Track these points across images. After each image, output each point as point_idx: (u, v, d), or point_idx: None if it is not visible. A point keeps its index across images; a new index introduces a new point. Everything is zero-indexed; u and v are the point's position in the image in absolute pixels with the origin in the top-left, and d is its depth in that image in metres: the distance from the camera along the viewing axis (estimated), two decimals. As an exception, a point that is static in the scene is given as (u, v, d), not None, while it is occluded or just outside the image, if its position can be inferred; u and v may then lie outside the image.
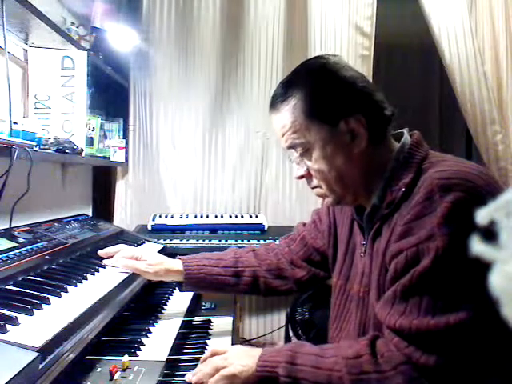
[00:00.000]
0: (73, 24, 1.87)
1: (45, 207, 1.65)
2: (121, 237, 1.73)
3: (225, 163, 2.41)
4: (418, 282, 0.77)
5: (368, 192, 0.93)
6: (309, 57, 1.12)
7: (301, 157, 0.92)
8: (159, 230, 2.11)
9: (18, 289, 0.93)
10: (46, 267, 1.12)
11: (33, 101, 1.71)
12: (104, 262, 1.25)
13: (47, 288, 0.95)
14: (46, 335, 0.73)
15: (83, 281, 1.07)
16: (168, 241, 2.02)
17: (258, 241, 2.04)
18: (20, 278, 1.00)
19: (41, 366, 0.67)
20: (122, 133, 2.32)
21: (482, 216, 0.28)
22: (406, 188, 0.85)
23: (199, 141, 2.39)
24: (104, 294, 1.01)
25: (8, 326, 0.73)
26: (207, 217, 2.27)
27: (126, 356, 0.92)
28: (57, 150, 1.51)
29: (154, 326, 1.16)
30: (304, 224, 1.26)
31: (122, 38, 2.09)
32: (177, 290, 1.41)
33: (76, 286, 1.03)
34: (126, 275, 1.18)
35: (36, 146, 1.32)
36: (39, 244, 1.21)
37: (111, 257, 1.26)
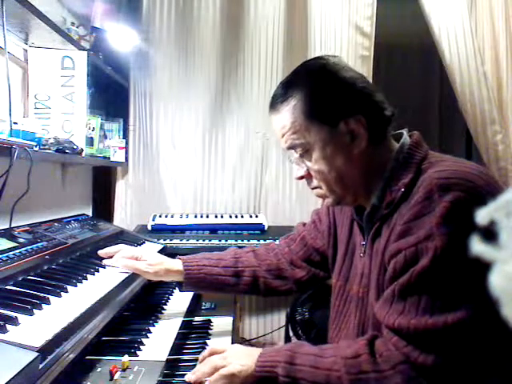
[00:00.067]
0: (73, 24, 1.87)
1: (45, 207, 1.65)
2: (121, 237, 1.73)
3: (225, 163, 2.41)
4: (417, 282, 0.77)
5: (368, 192, 0.93)
6: (309, 57, 1.13)
7: (301, 157, 0.92)
8: (159, 230, 2.11)
9: (17, 289, 0.93)
10: (46, 267, 1.12)
11: (33, 101, 1.71)
12: (104, 261, 1.25)
13: (47, 288, 0.95)
14: (46, 335, 0.73)
15: (83, 281, 1.07)
16: (168, 241, 2.02)
17: (258, 241, 2.04)
18: (20, 278, 1.00)
19: (41, 366, 0.67)
20: (122, 133, 2.32)
21: (482, 216, 0.28)
22: (405, 188, 0.86)
23: (199, 141, 2.39)
24: (104, 294, 1.01)
25: (8, 326, 0.73)
26: (207, 217, 2.27)
27: (126, 356, 0.92)
28: (57, 150, 1.51)
29: (154, 326, 1.16)
30: (304, 224, 1.26)
31: (121, 38, 2.09)
32: (177, 290, 1.41)
33: (76, 286, 1.03)
34: (126, 275, 1.18)
35: (36, 146, 1.32)
36: (39, 244, 1.21)
37: (111, 257, 1.26)
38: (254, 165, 2.41)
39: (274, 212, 2.41)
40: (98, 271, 1.18)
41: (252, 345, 2.12)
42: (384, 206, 0.89)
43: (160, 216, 2.20)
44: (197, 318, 1.31)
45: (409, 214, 0.80)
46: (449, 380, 0.76)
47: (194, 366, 0.94)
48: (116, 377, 0.86)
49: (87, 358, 0.92)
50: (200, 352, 1.05)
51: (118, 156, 2.18)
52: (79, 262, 1.25)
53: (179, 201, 2.40)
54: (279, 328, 2.38)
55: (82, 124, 1.77)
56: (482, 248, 0.27)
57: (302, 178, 0.96)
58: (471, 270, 0.67)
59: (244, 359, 0.88)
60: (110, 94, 2.28)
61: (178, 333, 1.13)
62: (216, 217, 2.27)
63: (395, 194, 0.87)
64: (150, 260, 1.19)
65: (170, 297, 1.42)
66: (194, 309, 1.38)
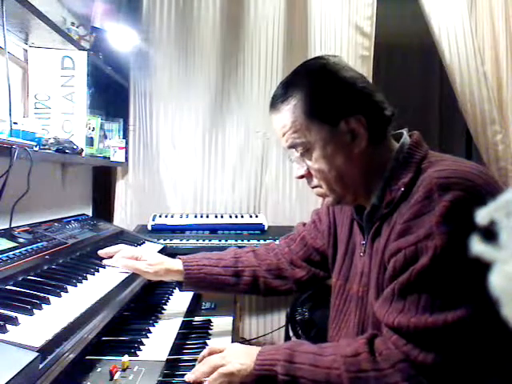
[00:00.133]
0: (73, 24, 1.87)
1: (45, 207, 1.65)
2: (121, 237, 1.73)
3: (225, 163, 2.41)
4: (417, 280, 0.77)
5: (368, 192, 0.94)
6: (309, 57, 1.13)
7: (301, 156, 0.92)
8: (159, 230, 2.11)
9: (18, 289, 0.93)
10: (46, 267, 1.12)
11: (33, 101, 1.71)
12: (104, 261, 1.25)
13: (47, 288, 0.95)
14: (46, 335, 0.73)
15: (83, 281, 1.07)
16: (168, 241, 2.02)
17: (258, 241, 2.04)
18: (20, 278, 1.00)
19: (41, 366, 0.67)
20: (122, 133, 2.32)
21: (482, 216, 0.28)
22: (405, 187, 0.86)
23: (199, 141, 2.39)
24: (104, 294, 1.01)
25: (8, 326, 0.73)
26: (207, 217, 2.27)
27: (126, 356, 0.92)
28: (57, 150, 1.51)
29: (154, 326, 1.16)
30: (304, 224, 1.26)
31: (121, 37, 2.09)
32: (177, 290, 1.41)
33: (76, 286, 1.03)
34: (126, 275, 1.18)
35: (36, 146, 1.32)
36: (39, 244, 1.21)
37: (111, 257, 1.26)
38: (254, 165, 2.41)
39: (273, 212, 2.41)
40: (98, 271, 1.18)
41: (252, 345, 2.12)
42: (384, 205, 0.89)
43: (160, 216, 2.20)
44: (197, 318, 1.31)
45: (409, 213, 0.80)
46: (448, 379, 0.76)
47: (194, 366, 0.95)
48: (116, 377, 0.86)
49: (87, 358, 0.92)
50: (200, 352, 1.05)
51: (117, 156, 2.18)
52: (79, 261, 1.25)
53: (179, 201, 2.40)
54: (279, 328, 2.37)
55: (82, 124, 1.77)
56: (481, 248, 0.27)
57: (302, 177, 0.96)
58: (471, 268, 0.67)
59: (243, 358, 0.89)
60: (110, 94, 2.28)
61: (178, 333, 1.13)
62: (216, 217, 2.27)
63: (395, 193, 0.87)
64: (149, 260, 1.19)
65: (170, 297, 1.42)
66: (194, 309, 1.38)
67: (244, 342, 2.27)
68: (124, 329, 1.12)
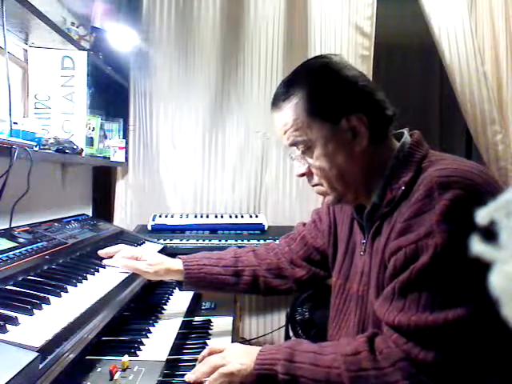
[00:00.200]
0: (73, 24, 1.87)
1: (45, 207, 1.65)
2: (121, 237, 1.73)
3: (225, 163, 2.41)
4: (417, 279, 0.77)
5: (368, 190, 0.94)
6: (309, 57, 1.13)
7: (302, 154, 0.93)
8: (159, 230, 2.10)
9: (18, 289, 0.93)
10: (46, 267, 1.12)
11: (33, 101, 1.71)
12: (104, 261, 1.25)
13: (47, 288, 0.95)
14: (46, 335, 0.73)
15: (83, 281, 1.07)
16: (168, 241, 2.02)
17: (258, 241, 2.04)
18: (20, 278, 1.00)
19: (41, 366, 0.67)
20: (122, 133, 2.32)
21: (482, 216, 0.28)
22: (405, 186, 0.86)
23: (199, 141, 2.39)
24: (104, 294, 1.01)
25: (8, 326, 0.73)
26: (207, 217, 2.27)
27: (126, 356, 0.92)
28: (57, 150, 1.51)
29: (154, 326, 1.16)
30: (304, 224, 1.26)
31: (121, 37, 2.09)
32: (177, 290, 1.41)
33: (76, 286, 1.03)
34: (126, 275, 1.18)
35: (36, 146, 1.32)
36: (39, 244, 1.21)
37: (111, 257, 1.26)
38: (254, 165, 2.41)
39: (273, 212, 2.41)
40: (98, 271, 1.18)
41: (252, 345, 2.12)
42: (384, 204, 0.89)
43: (160, 216, 2.20)
44: (197, 318, 1.31)
45: (409, 212, 0.81)
46: (449, 377, 0.76)
47: (194, 366, 0.95)
48: (116, 377, 0.86)
49: (87, 358, 0.92)
50: (200, 352, 1.05)
51: (117, 156, 2.18)
52: (79, 261, 1.25)
53: (179, 201, 2.40)
54: (279, 328, 2.37)
55: (82, 124, 1.77)
56: (481, 248, 0.27)
57: (303, 175, 0.96)
58: (471, 267, 0.67)
59: (243, 358, 0.89)
60: (110, 94, 2.28)
61: (178, 333, 1.13)
62: (216, 217, 2.27)
63: (395, 192, 0.87)
64: (149, 260, 1.19)
65: (170, 297, 1.42)
66: (194, 309, 1.38)
67: (244, 341, 2.27)
68: (124, 329, 1.12)
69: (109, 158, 2.15)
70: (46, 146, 1.47)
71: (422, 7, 2.30)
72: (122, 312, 1.16)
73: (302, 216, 2.28)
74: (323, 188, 0.95)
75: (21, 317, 0.78)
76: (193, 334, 1.20)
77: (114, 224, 2.11)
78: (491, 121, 2.34)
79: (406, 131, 0.96)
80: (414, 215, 0.80)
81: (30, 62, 1.70)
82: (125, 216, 2.38)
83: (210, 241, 2.05)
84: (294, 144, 0.93)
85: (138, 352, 0.99)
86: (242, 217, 2.27)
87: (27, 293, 0.91)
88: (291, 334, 2.15)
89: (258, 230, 2.17)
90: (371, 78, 2.16)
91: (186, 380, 0.90)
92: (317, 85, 0.91)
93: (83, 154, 1.72)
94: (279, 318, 2.40)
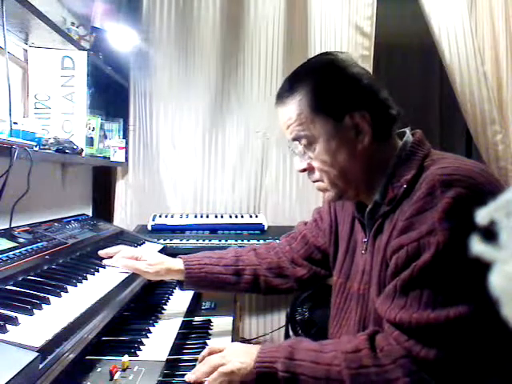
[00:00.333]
0: (73, 24, 1.87)
1: (45, 207, 1.65)
2: (121, 237, 1.73)
3: (225, 163, 2.41)
4: (419, 276, 0.78)
5: (370, 188, 0.94)
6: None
7: (304, 148, 0.93)
8: (159, 230, 2.11)
9: (18, 289, 0.93)
10: (46, 267, 1.12)
11: (33, 101, 1.71)
12: (104, 262, 1.25)
13: (47, 288, 0.95)
14: (46, 335, 0.73)
15: (83, 281, 1.07)
16: (168, 241, 2.02)
17: (258, 241, 2.04)
18: (20, 278, 1.00)
19: (41, 366, 0.67)
20: (122, 133, 2.32)
21: (482, 216, 0.28)
22: (407, 185, 0.86)
23: (199, 141, 2.39)
24: (104, 294, 1.01)
25: (8, 326, 0.73)
26: (207, 217, 2.27)
27: (126, 356, 0.92)
28: (57, 150, 1.51)
29: (154, 326, 1.16)
30: (305, 223, 1.26)
31: (121, 38, 2.09)
32: (177, 290, 1.41)
33: (76, 286, 1.03)
34: (126, 275, 1.18)
35: (36, 146, 1.32)
36: (39, 244, 1.21)
37: (111, 257, 1.26)
38: (254, 165, 2.41)
39: (273, 212, 2.41)
40: (98, 271, 1.18)
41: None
42: (386, 202, 0.90)
43: (160, 216, 2.20)
44: (197, 318, 1.31)
45: (411, 210, 0.81)
46: (450, 375, 0.76)
47: (194, 366, 0.94)
48: (116, 377, 0.86)
49: (87, 357, 0.92)
50: (200, 352, 1.05)
51: (117, 156, 2.18)
52: (79, 261, 1.25)
53: (179, 201, 2.40)
54: (279, 328, 2.38)
55: (82, 124, 1.77)
56: (482, 248, 0.27)
57: (304, 170, 0.96)
58: (473, 265, 0.67)
59: (243, 357, 0.89)
60: (110, 94, 2.28)
61: (178, 333, 1.13)
62: (216, 217, 2.27)
63: (397, 190, 0.88)
64: (150, 260, 1.19)
65: (170, 297, 1.42)
66: (194, 309, 1.38)
67: (244, 341, 2.27)
68: (124, 329, 1.12)
69: (109, 157, 2.15)
70: (46, 146, 1.47)
71: (422, 7, 2.30)
72: (121, 312, 1.16)
73: (301, 216, 2.28)
74: (324, 184, 0.95)
75: (21, 317, 0.78)
76: (193, 334, 1.20)
77: (113, 224, 2.11)
78: (491, 121, 2.34)
79: (407, 130, 0.97)
80: (416, 213, 0.80)
81: (30, 62, 1.70)
82: (125, 216, 2.38)
83: (210, 241, 2.05)
84: (296, 138, 0.93)
85: (138, 352, 0.99)
86: (242, 217, 2.27)
87: (27, 293, 0.91)
88: (291, 333, 2.15)
89: (257, 230, 2.17)
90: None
91: (186, 380, 0.90)
92: (322, 81, 0.92)
93: (83, 154, 1.72)
94: (279, 318, 2.40)
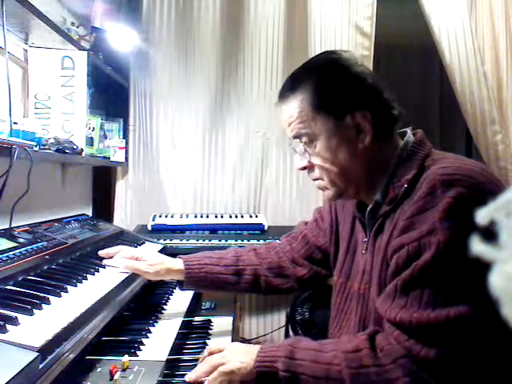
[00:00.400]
0: (73, 24, 1.87)
1: (45, 207, 1.65)
2: (121, 237, 1.73)
3: (225, 163, 2.41)
4: (419, 276, 0.78)
5: (370, 188, 0.94)
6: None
7: (305, 145, 0.93)
8: (159, 230, 2.11)
9: (18, 289, 0.93)
10: (46, 267, 1.12)
11: (33, 101, 1.71)
12: (104, 262, 1.25)
13: (47, 288, 0.95)
14: (46, 335, 0.73)
15: (83, 281, 1.07)
16: (168, 241, 2.02)
17: (258, 241, 2.04)
18: (20, 278, 1.00)
19: (41, 365, 0.67)
20: (122, 133, 2.32)
21: (482, 216, 0.28)
22: (408, 184, 0.86)
23: (199, 141, 2.39)
24: (104, 294, 1.01)
25: (8, 326, 0.73)
26: (207, 217, 2.27)
27: (126, 356, 0.92)
28: (57, 150, 1.51)
29: (154, 326, 1.16)
30: (306, 222, 1.26)
31: (121, 37, 2.09)
32: (177, 290, 1.41)
33: (76, 286, 1.03)
34: (126, 275, 1.18)
35: (36, 146, 1.32)
36: (39, 244, 1.21)
37: (111, 257, 1.26)
38: (254, 165, 2.41)
39: (273, 212, 2.41)
40: (98, 271, 1.18)
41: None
42: (387, 202, 0.90)
43: (160, 216, 2.20)
44: (197, 318, 1.31)
45: (412, 209, 0.81)
46: (450, 374, 0.76)
47: (194, 366, 0.94)
48: (116, 377, 0.86)
49: (87, 357, 0.92)
50: (200, 352, 1.05)
51: (117, 156, 2.18)
52: (79, 261, 1.25)
53: (179, 201, 2.40)
54: (279, 328, 2.38)
55: (82, 124, 1.77)
56: (482, 248, 0.27)
57: (304, 168, 0.96)
58: (473, 264, 0.67)
59: (243, 356, 0.88)
60: (110, 94, 2.28)
61: (178, 333, 1.13)
62: (216, 217, 2.27)
63: (398, 190, 0.88)
64: (150, 260, 1.19)
65: (170, 297, 1.42)
66: (194, 309, 1.38)
67: (244, 341, 2.27)
68: (124, 329, 1.12)
69: (109, 158, 2.15)
70: (46, 146, 1.47)
71: (422, 7, 2.30)
72: (122, 312, 1.16)
73: (302, 216, 2.28)
74: (324, 182, 0.95)
75: (21, 317, 0.78)
76: (193, 334, 1.20)
77: (113, 224, 2.11)
78: (491, 121, 2.33)
79: (409, 130, 0.97)
80: (417, 213, 0.80)
81: (30, 62, 1.70)
82: (125, 216, 2.38)
83: (210, 241, 2.05)
84: (297, 136, 0.93)
85: (138, 352, 0.99)
86: (242, 217, 2.27)
87: (27, 293, 0.91)
88: (291, 333, 2.15)
89: (257, 230, 2.17)
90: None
91: (187, 380, 0.90)
92: (324, 79, 0.92)
93: (83, 154, 1.72)
94: (279, 318, 2.40)
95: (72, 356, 0.78)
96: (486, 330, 0.75)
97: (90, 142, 1.93)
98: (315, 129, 0.91)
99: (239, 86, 2.38)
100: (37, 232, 1.33)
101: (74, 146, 1.60)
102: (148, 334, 1.09)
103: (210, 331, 1.22)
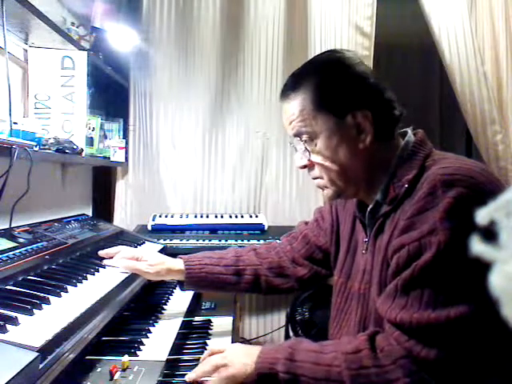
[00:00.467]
0: (73, 24, 1.87)
1: (45, 207, 1.65)
2: (121, 237, 1.73)
3: (225, 163, 2.41)
4: (420, 276, 0.77)
5: (370, 187, 0.94)
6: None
7: (305, 144, 0.93)
8: (159, 230, 2.11)
9: (18, 289, 0.93)
10: (46, 267, 1.12)
11: (33, 101, 1.71)
12: (104, 262, 1.25)
13: (47, 288, 0.95)
14: (46, 335, 0.73)
15: (83, 281, 1.07)
16: (168, 241, 2.02)
17: (258, 241, 2.04)
18: (20, 278, 1.00)
19: (41, 366, 0.67)
20: (122, 133, 2.32)
21: (482, 216, 0.28)
22: (409, 184, 0.86)
23: (199, 141, 2.39)
24: (104, 294, 1.01)
25: (8, 326, 0.73)
26: (207, 217, 2.27)
27: (126, 356, 0.92)
28: (57, 150, 1.51)
29: (154, 326, 1.16)
30: (306, 222, 1.26)
31: (121, 37, 2.09)
32: (177, 290, 1.41)
33: (76, 286, 1.03)
34: (126, 275, 1.18)
35: (36, 146, 1.32)
36: (39, 244, 1.21)
37: (111, 257, 1.26)
38: (254, 165, 2.41)
39: (274, 212, 2.41)
40: (98, 271, 1.18)
41: (252, 345, 2.11)
42: (387, 202, 0.90)
43: (160, 216, 2.20)
44: (197, 318, 1.31)
45: (412, 209, 0.81)
46: (450, 375, 0.76)
47: (194, 366, 0.94)
48: (116, 377, 0.86)
49: (87, 357, 0.92)
50: (200, 352, 1.05)
51: (117, 156, 2.18)
52: (79, 261, 1.25)
53: (179, 201, 2.40)
54: (279, 328, 2.37)
55: (82, 124, 1.77)
56: (482, 248, 0.27)
57: (304, 167, 0.96)
58: (474, 265, 0.67)
59: (244, 358, 0.88)
60: (110, 94, 2.28)
61: (178, 333, 1.13)
62: (216, 217, 2.27)
63: (399, 190, 0.88)
64: (150, 260, 1.19)
65: (170, 297, 1.42)
66: (194, 309, 1.38)
67: (244, 341, 2.27)
68: (124, 329, 1.12)
69: (109, 158, 2.15)
70: (46, 146, 1.47)
71: (422, 7, 2.30)
72: (122, 312, 1.16)
73: (302, 216, 2.28)
74: (323, 181, 0.95)
75: (21, 317, 0.78)
76: (193, 334, 1.20)
77: (113, 224, 2.11)
78: (491, 121, 2.33)
79: (409, 130, 0.97)
80: (418, 213, 0.80)
81: (30, 62, 1.70)
82: (125, 216, 2.38)
83: (210, 241, 2.05)
84: (297, 134, 0.93)
85: (138, 352, 0.99)
86: (242, 217, 2.27)
87: (27, 293, 0.91)
88: (291, 333, 2.14)
89: (257, 230, 2.17)
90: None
91: (187, 380, 0.90)
92: (326, 78, 0.92)
93: (83, 154, 1.72)
94: (279, 318, 2.39)
95: (72, 356, 0.78)
96: (486, 330, 0.75)
97: (90, 142, 1.93)
98: (316, 127, 0.91)
99: (239, 86, 2.38)
100: (37, 232, 1.33)
101: (74, 146, 1.60)
102: (148, 334, 1.09)
103: (210, 331, 1.22)
